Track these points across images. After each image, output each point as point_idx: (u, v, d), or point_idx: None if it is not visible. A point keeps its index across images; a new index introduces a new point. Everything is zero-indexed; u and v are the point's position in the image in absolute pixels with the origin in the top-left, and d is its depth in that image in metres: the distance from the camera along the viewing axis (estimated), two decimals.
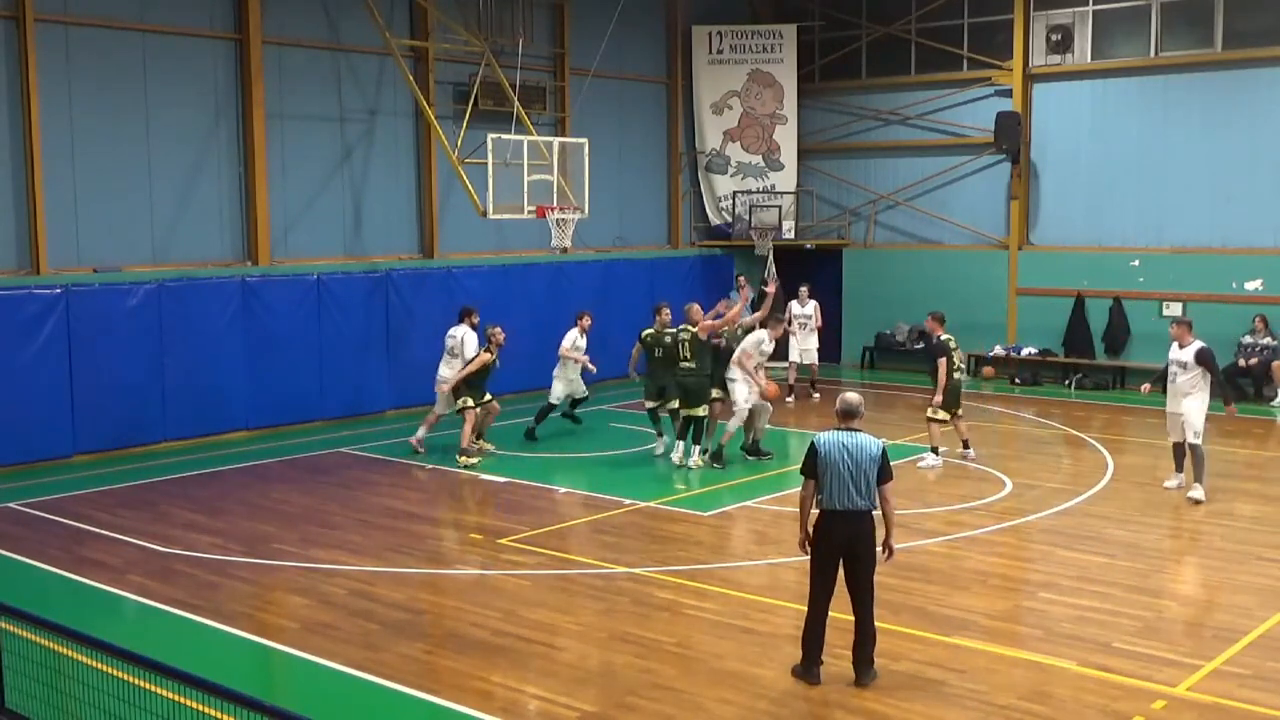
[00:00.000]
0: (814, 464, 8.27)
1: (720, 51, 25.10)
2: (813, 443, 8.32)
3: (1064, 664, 8.69)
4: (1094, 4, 22.01)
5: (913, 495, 13.59)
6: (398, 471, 15.29)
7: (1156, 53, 21.45)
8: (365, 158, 19.57)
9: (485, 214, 17.95)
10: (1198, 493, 13.28)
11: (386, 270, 19.17)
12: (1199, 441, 13.39)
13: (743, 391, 15.19)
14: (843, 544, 8.21)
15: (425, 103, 19.15)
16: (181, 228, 17.36)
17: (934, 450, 15.30)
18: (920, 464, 15.12)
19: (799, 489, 8.56)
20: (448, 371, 15.80)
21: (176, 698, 6.29)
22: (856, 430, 8.33)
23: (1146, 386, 14.60)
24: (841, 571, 8.32)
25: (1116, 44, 21.98)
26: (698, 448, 15.15)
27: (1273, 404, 19.65)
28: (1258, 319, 20.04)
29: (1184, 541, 11.87)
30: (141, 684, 6.36)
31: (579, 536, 12.33)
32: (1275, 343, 19.95)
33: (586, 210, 18.92)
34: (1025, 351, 22.47)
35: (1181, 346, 13.69)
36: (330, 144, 19.08)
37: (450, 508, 13.32)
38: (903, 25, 24.16)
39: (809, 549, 8.43)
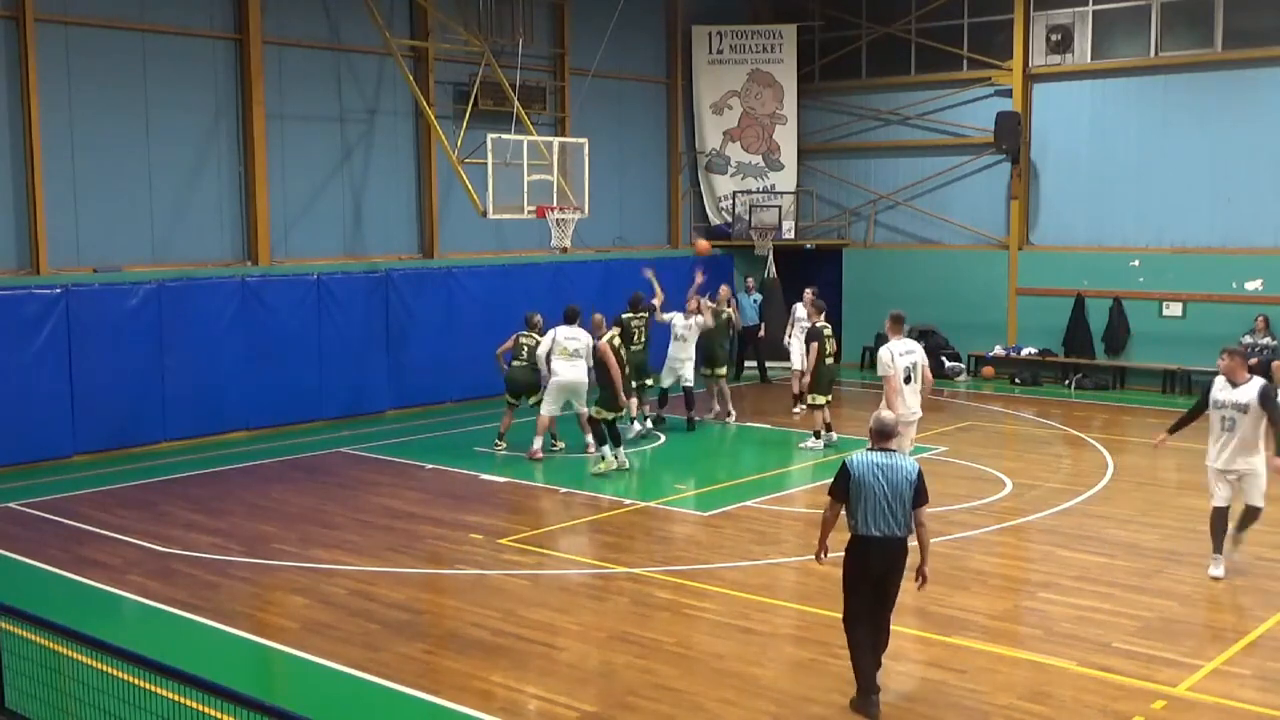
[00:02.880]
0: (845, 487, 7.80)
1: (720, 51, 25.10)
2: (844, 464, 7.83)
3: (1064, 664, 8.69)
4: (1094, 4, 22.01)
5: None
6: (398, 471, 15.29)
7: (1156, 53, 21.45)
8: (365, 158, 19.58)
9: (485, 214, 17.95)
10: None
11: (386, 270, 19.17)
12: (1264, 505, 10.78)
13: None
14: (879, 571, 7.82)
15: (425, 103, 19.16)
16: (181, 228, 17.37)
17: (816, 434, 16.19)
18: (801, 445, 16.24)
19: (824, 509, 8.13)
20: (574, 373, 15.42)
21: (176, 698, 6.28)
22: (892, 451, 7.90)
23: (1162, 439, 11.22)
24: None
25: (1116, 44, 21.98)
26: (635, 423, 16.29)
27: None
28: (1259, 319, 20.03)
29: (1184, 542, 11.85)
30: (141, 684, 6.36)
31: (579, 536, 12.34)
32: (1275, 343, 19.94)
33: (586, 210, 18.92)
34: (1025, 351, 22.48)
35: (1235, 384, 10.78)
36: (330, 144, 19.08)
37: (450, 508, 13.31)
38: (903, 25, 24.16)
39: (845, 574, 7.98)
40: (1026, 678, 8.49)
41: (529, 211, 17.97)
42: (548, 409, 15.54)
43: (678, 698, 8.11)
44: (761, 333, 22.32)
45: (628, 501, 13.50)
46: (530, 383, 16.01)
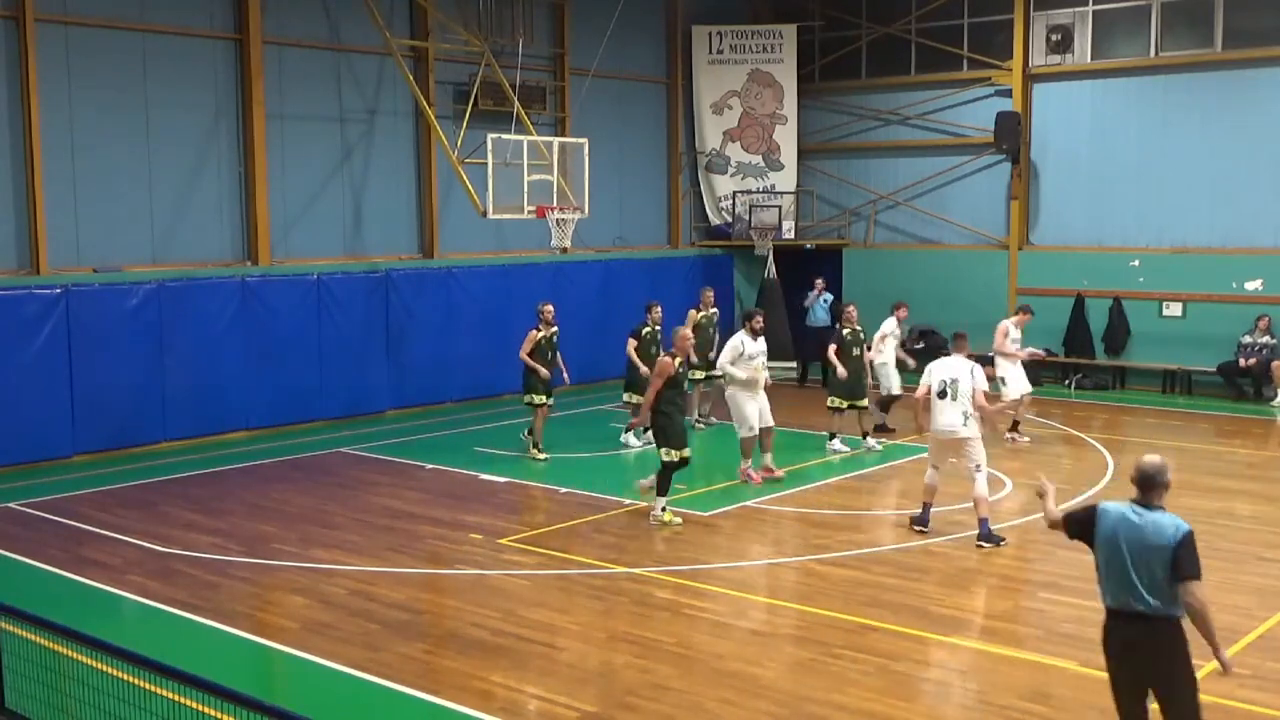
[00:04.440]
0: (1081, 527, 6.52)
1: (720, 51, 25.10)
2: (1094, 505, 6.49)
3: (1065, 664, 8.69)
4: (1094, 4, 22.01)
5: (910, 495, 13.59)
6: (398, 471, 15.29)
7: (1156, 53, 21.45)
8: (365, 158, 19.58)
9: (485, 214, 17.95)
10: None
11: (386, 270, 19.17)
12: None
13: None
14: (1121, 653, 6.33)
15: (425, 103, 19.16)
16: (181, 228, 17.37)
17: (831, 435, 16.37)
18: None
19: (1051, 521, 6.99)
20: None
21: (176, 698, 6.28)
22: (1157, 507, 6.27)
23: None
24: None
25: (1116, 44, 21.98)
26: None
27: (1272, 404, 19.66)
28: (1262, 319, 20.03)
29: None
30: (141, 684, 6.36)
31: (579, 536, 12.32)
32: (1275, 342, 19.95)
33: (586, 210, 18.92)
34: (1025, 351, 22.42)
35: None
36: (330, 144, 19.08)
37: (450, 508, 13.31)
38: (903, 25, 24.16)
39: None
40: (1027, 678, 8.49)
41: (529, 211, 17.97)
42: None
43: (677, 698, 8.10)
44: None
45: (628, 502, 13.49)
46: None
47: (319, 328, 18.18)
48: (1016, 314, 17.79)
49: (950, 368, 12.25)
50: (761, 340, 14.30)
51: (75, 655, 7.33)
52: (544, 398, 15.74)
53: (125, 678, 6.52)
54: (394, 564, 11.24)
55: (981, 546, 11.60)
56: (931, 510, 12.20)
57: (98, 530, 12.39)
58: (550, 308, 15.95)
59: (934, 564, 11.22)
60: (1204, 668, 8.48)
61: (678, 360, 12.68)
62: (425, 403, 19.55)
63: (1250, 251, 20.59)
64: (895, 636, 9.31)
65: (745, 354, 14.05)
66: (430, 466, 15.50)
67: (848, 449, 16.19)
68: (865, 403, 16.44)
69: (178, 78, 17.17)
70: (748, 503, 13.42)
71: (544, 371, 15.63)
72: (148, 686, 6.32)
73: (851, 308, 16.81)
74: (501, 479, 14.70)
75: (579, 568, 11.10)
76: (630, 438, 16.59)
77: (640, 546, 11.84)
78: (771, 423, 14.41)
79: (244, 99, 17.81)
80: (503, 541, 11.93)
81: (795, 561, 11.36)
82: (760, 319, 14.52)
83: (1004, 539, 11.73)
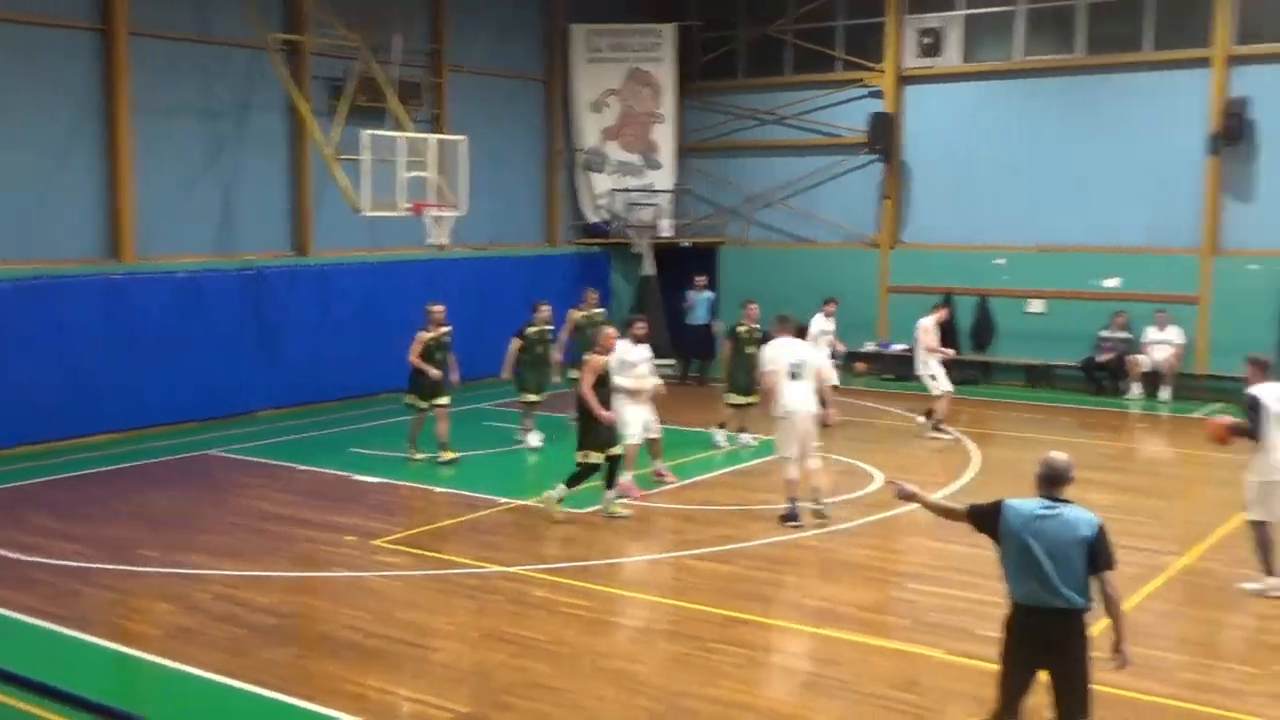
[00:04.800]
0: (987, 522, 6.51)
1: (599, 50, 25.13)
2: (1002, 500, 6.49)
3: (932, 652, 8.90)
4: (963, 9, 22.58)
5: (782, 488, 13.80)
6: (270, 473, 15.01)
7: (1022, 57, 22.09)
8: (236, 153, 19.16)
9: (361, 211, 17.72)
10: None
11: (259, 268, 18.80)
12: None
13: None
14: (1032, 648, 6.40)
15: (300, 98, 18.82)
16: (42, 224, 16.80)
17: (721, 425, 16.59)
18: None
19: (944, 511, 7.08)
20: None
21: (35, 710, 6.10)
22: (1066, 501, 6.38)
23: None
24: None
25: (984, 48, 22.60)
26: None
27: (1128, 396, 20.39)
28: (1119, 315, 20.78)
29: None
30: None
31: (455, 536, 12.25)
32: (1132, 337, 20.70)
33: (464, 207, 18.79)
34: (896, 347, 22.93)
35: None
36: (200, 139, 18.64)
37: (323, 509, 13.11)
38: (779, 26, 24.48)
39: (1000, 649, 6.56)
40: (895, 667, 8.68)
41: (405, 209, 17.79)
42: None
43: (554, 696, 8.11)
44: (715, 330, 22.15)
45: (503, 500, 13.45)
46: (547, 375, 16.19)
47: (188, 327, 17.74)
48: (936, 311, 18.00)
49: (793, 349, 12.69)
50: (645, 347, 13.76)
51: None
52: (428, 401, 15.29)
53: None
54: (265, 567, 11.04)
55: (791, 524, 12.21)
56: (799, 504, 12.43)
57: None
58: (440, 308, 15.52)
59: (805, 557, 11.41)
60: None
61: (604, 358, 12.65)
62: (300, 403, 19.22)
63: (1109, 250, 21.34)
64: (767, 629, 9.45)
65: (626, 362, 13.51)
66: (303, 468, 15.24)
67: (728, 445, 16.28)
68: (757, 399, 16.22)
69: (38, 69, 16.60)
70: (624, 500, 13.44)
71: (434, 373, 15.17)
72: (5, 700, 6.13)
73: (754, 306, 16.65)
74: (376, 480, 14.53)
75: (454, 568, 11.03)
76: (530, 439, 16.36)
77: (516, 545, 11.81)
78: (658, 433, 14.21)
79: (109, 92, 17.29)
80: (377, 543, 11.80)
81: (670, 557, 11.44)
82: (642, 325, 13.96)
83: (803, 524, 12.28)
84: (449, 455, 15.30)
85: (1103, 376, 20.89)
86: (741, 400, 16.17)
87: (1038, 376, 21.84)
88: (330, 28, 19.24)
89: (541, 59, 24.62)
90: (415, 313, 20.01)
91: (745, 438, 16.46)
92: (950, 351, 17.78)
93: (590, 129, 25.20)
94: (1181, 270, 20.68)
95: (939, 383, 17.18)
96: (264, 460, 15.68)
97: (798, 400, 12.45)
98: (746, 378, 15.80)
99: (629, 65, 25.19)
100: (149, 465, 15.43)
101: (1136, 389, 20.41)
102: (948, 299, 18.87)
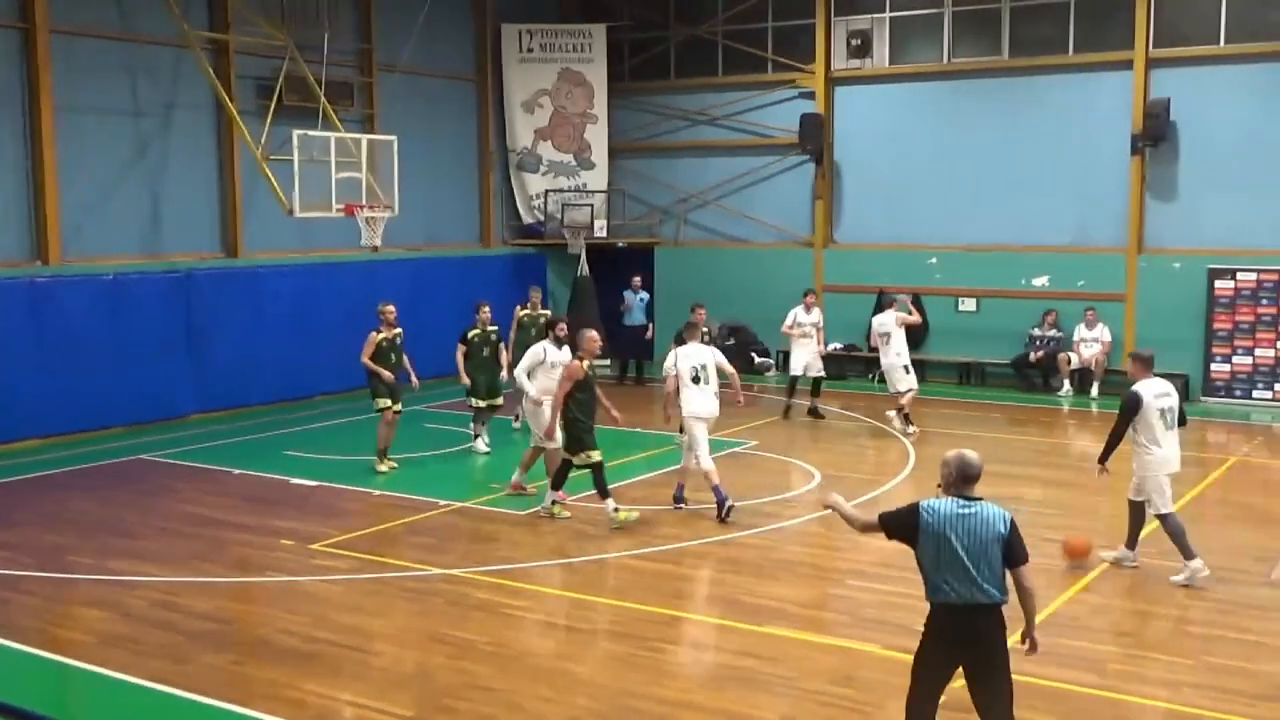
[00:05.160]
0: (904, 528, 6.47)
1: (530, 50, 25.07)
2: (917, 504, 6.49)
3: (869, 648, 8.99)
4: (890, 11, 22.83)
5: (730, 489, 13.87)
6: (202, 477, 14.78)
7: (949, 59, 22.39)
8: (163, 153, 18.85)
9: (292, 212, 17.52)
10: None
11: (188, 270, 18.52)
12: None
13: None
14: (959, 645, 6.39)
15: (226, 97, 18.55)
16: None
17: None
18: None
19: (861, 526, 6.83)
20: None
21: None
22: (978, 499, 6.45)
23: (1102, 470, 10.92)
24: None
25: (912, 50, 22.86)
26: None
27: (1059, 393, 20.74)
28: (1050, 314, 21.12)
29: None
30: None
31: (394, 539, 12.16)
32: (1061, 335, 21.05)
33: (397, 208, 18.65)
34: (831, 346, 23.06)
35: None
36: (125, 139, 18.31)
37: (258, 513, 12.95)
38: (709, 27, 24.58)
39: (918, 650, 6.56)
40: (835, 663, 8.76)
41: (337, 210, 17.63)
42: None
43: (496, 697, 8.08)
44: (649, 334, 22.23)
45: (443, 502, 13.37)
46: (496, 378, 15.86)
47: (115, 329, 17.42)
48: (894, 307, 18.22)
49: (697, 354, 13.16)
50: (566, 350, 13.41)
51: None
52: (389, 401, 14.87)
53: None
54: (199, 573, 10.88)
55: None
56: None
57: None
58: (392, 308, 15.06)
59: (744, 555, 11.46)
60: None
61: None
62: (232, 406, 18.96)
63: (1038, 249, 21.68)
64: (708, 628, 9.49)
65: (547, 362, 13.32)
66: (238, 472, 15.03)
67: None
68: None
69: None
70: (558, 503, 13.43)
71: (386, 375, 14.77)
72: None
73: (701, 310, 16.49)
74: (313, 483, 14.37)
75: (394, 570, 10.95)
76: (479, 444, 16.06)
77: (456, 547, 11.75)
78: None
79: (31, 90, 16.93)
80: (314, 547, 11.67)
81: (610, 558, 11.44)
82: (564, 326, 13.80)
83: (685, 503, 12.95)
84: (384, 466, 14.97)
85: (1034, 374, 21.23)
86: None
87: (970, 374, 22.14)
88: (256, 26, 18.99)
89: (473, 59, 24.51)
90: (349, 314, 19.93)
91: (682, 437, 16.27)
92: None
93: (523, 129, 25.13)
94: (1108, 269, 21.08)
95: (910, 376, 17.50)
96: (196, 464, 15.44)
97: (703, 405, 12.94)
98: None
99: (560, 65, 25.17)
100: (77, 471, 15.13)
101: (1067, 386, 20.77)
102: (916, 298, 19.26)
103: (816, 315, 19.04)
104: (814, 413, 18.67)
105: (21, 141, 16.98)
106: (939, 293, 22.45)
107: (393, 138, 18.85)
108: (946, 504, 6.41)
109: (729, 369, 13.43)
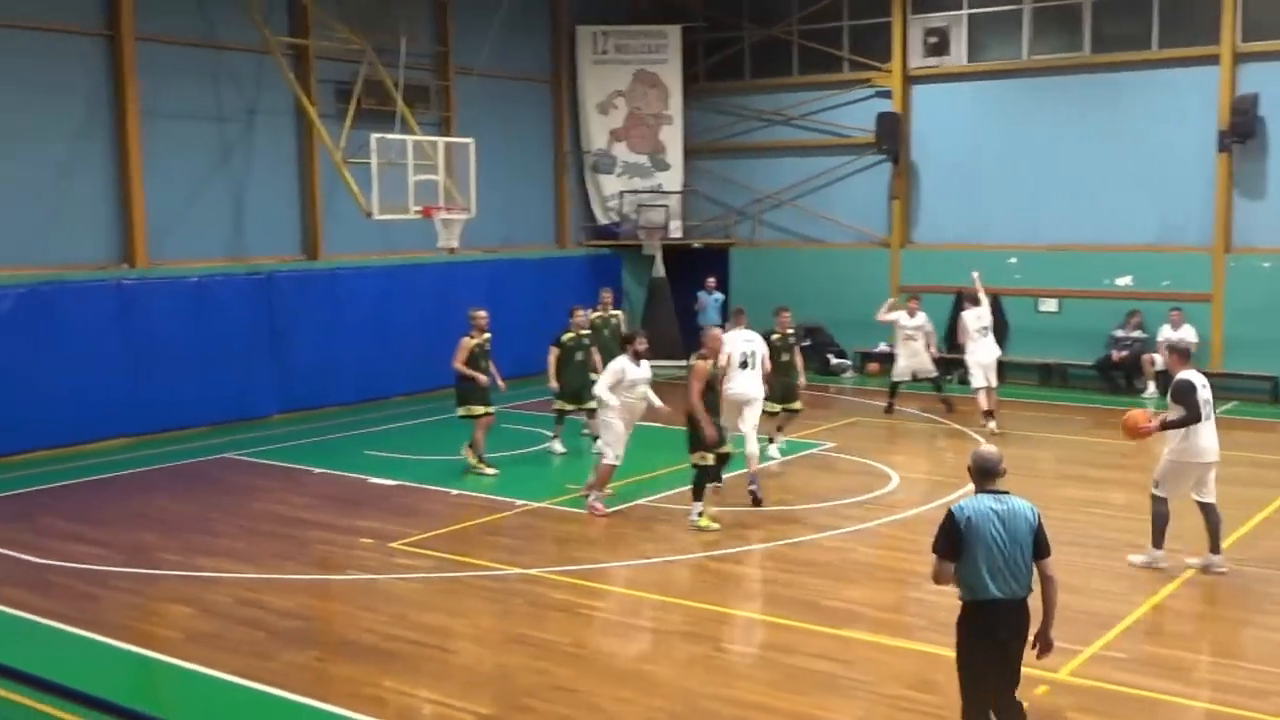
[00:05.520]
0: (956, 542, 6.40)
1: (605, 51, 25.14)
2: (952, 513, 6.48)
3: (949, 653, 8.82)
4: (969, 8, 22.56)
5: (799, 490, 13.81)
6: (284, 476, 15.02)
7: (1028, 55, 22.07)
8: (246, 157, 19.20)
9: (370, 215, 17.73)
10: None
11: (269, 272, 18.82)
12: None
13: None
14: (1006, 641, 6.46)
15: (307, 102, 18.84)
16: (54, 230, 16.85)
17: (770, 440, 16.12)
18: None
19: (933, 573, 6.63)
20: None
21: (57, 713, 6.11)
22: (1004, 492, 6.55)
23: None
24: None
25: (991, 47, 22.57)
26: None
27: (1143, 395, 20.34)
28: (1134, 314, 20.74)
29: (1061, 531, 12.16)
30: (19, 699, 6.17)
31: (472, 538, 12.26)
32: (1145, 336, 20.65)
33: (473, 210, 18.81)
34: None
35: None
36: (209, 143, 18.67)
37: (340, 512, 13.12)
38: (784, 27, 24.47)
39: (963, 655, 6.61)
40: (913, 667, 8.67)
41: (415, 212, 17.81)
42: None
43: (574, 698, 8.11)
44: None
45: (520, 503, 13.45)
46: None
47: (200, 331, 17.76)
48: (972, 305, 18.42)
49: (746, 341, 13.65)
50: (646, 366, 13.15)
51: None
52: (483, 408, 14.76)
53: (2, 694, 6.32)
54: (282, 571, 11.05)
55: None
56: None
57: None
58: (484, 313, 15.02)
59: (822, 557, 11.39)
60: (1084, 653, 8.79)
61: (710, 362, 12.40)
62: (312, 406, 19.24)
63: (1121, 248, 21.30)
64: (785, 630, 9.43)
65: (626, 380, 12.91)
66: (318, 471, 15.25)
67: (779, 455, 15.76)
68: (798, 405, 15.80)
69: (48, 74, 16.65)
70: (639, 501, 13.46)
71: (482, 379, 14.81)
72: (26, 702, 6.14)
73: (786, 313, 16.00)
74: (392, 482, 14.53)
75: (472, 570, 11.03)
76: (556, 444, 15.95)
77: (533, 548, 11.81)
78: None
79: (118, 97, 17.33)
80: (394, 545, 11.80)
81: (688, 559, 11.43)
82: (643, 341, 13.32)
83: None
84: (490, 470, 14.84)
85: (1117, 375, 20.85)
86: (776, 408, 15.44)
87: (1051, 375, 21.80)
88: (335, 31, 19.26)
89: (548, 60, 24.64)
90: (426, 316, 20.18)
91: (773, 448, 15.77)
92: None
93: (598, 131, 25.22)
94: (1194, 268, 20.64)
95: (974, 377, 17.74)
96: (278, 464, 15.70)
97: (749, 387, 13.49)
98: (780, 384, 15.27)
99: (635, 66, 25.22)
100: (163, 469, 15.46)
101: (1151, 388, 20.36)
102: (959, 297, 19.22)
103: (921, 319, 18.91)
104: (948, 405, 18.83)
105: (109, 147, 17.38)
106: (1019, 293, 22.12)
107: (469, 140, 19.01)
108: (979, 501, 6.45)
109: (768, 365, 14.00)
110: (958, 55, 22.75)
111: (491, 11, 20.81)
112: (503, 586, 10.56)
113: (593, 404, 15.60)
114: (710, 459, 12.34)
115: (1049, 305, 21.91)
